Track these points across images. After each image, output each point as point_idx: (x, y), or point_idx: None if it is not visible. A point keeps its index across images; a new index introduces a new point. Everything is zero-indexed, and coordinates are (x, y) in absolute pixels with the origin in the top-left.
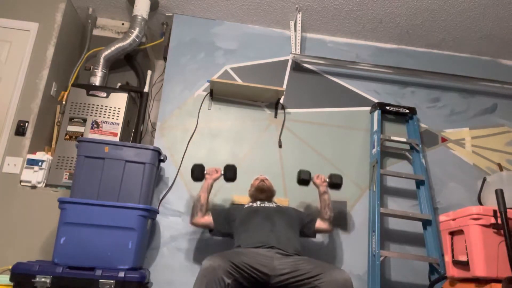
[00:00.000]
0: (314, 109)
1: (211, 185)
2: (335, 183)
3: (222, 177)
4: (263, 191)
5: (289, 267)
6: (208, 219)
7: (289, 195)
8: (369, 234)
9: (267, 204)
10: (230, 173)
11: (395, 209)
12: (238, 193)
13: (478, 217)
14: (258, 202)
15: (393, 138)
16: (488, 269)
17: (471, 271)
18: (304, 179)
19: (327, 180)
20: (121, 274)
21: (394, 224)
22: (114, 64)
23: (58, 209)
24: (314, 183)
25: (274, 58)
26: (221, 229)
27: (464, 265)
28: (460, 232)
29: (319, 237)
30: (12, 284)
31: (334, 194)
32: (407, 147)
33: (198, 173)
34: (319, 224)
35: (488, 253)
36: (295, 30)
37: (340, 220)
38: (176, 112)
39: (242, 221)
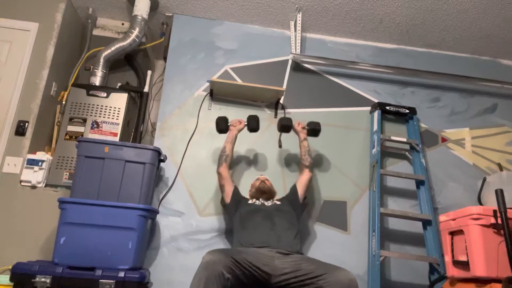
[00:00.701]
0: (314, 109)
1: (236, 136)
2: (314, 129)
3: (246, 127)
4: (264, 193)
5: (291, 266)
6: (229, 180)
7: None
8: (369, 234)
9: (266, 203)
10: (253, 123)
11: (395, 209)
12: None
13: (478, 217)
14: (260, 200)
15: (393, 138)
16: (488, 269)
17: (471, 271)
18: (285, 125)
19: (306, 127)
20: (121, 274)
21: (394, 224)
22: (114, 64)
23: (58, 209)
24: (294, 130)
25: (274, 58)
26: (231, 207)
27: (464, 265)
28: (460, 232)
29: (319, 237)
30: (12, 284)
31: (334, 194)
32: (407, 147)
33: (222, 124)
34: (300, 181)
35: (488, 253)
36: (295, 30)
37: (340, 220)
38: (176, 112)
39: (242, 218)
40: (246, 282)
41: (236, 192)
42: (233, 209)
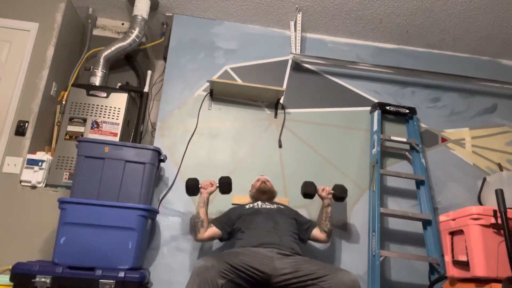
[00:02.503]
0: (314, 109)
1: (208, 199)
2: (340, 196)
3: (218, 190)
4: (264, 193)
5: (290, 267)
6: (212, 230)
7: (289, 195)
8: (369, 234)
9: (268, 205)
10: (225, 186)
11: (395, 209)
12: (238, 193)
13: (478, 217)
14: (259, 203)
15: (393, 138)
16: (488, 269)
17: (471, 271)
18: (309, 194)
19: (332, 192)
20: (121, 274)
21: (394, 224)
22: (114, 64)
23: (58, 209)
24: (320, 196)
25: (274, 58)
26: (228, 233)
27: (464, 265)
28: (460, 232)
29: (319, 244)
30: (12, 284)
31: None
32: (407, 147)
33: (193, 188)
34: (317, 233)
35: (488, 253)
36: (295, 30)
37: (340, 220)
38: (176, 112)
39: (243, 220)
40: (245, 285)
41: (218, 224)
42: (230, 229)
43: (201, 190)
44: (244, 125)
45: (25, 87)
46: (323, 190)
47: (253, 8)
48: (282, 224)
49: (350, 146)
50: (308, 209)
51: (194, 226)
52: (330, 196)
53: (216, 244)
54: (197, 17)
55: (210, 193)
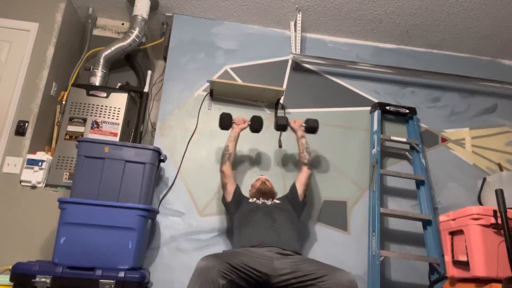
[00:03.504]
0: (314, 109)
1: (238, 134)
2: (311, 126)
3: (249, 128)
4: (264, 194)
5: (290, 267)
6: (231, 179)
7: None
8: (369, 234)
9: (267, 202)
10: (256, 124)
11: (395, 209)
12: None
13: (478, 217)
14: (260, 199)
15: (393, 138)
16: (488, 269)
17: (471, 271)
18: (281, 124)
19: (304, 124)
20: (121, 274)
21: (394, 224)
22: (114, 64)
23: (58, 209)
24: (292, 128)
25: (274, 58)
26: (232, 206)
27: (464, 265)
28: (460, 232)
29: (319, 237)
30: (12, 284)
31: (334, 194)
32: (407, 147)
33: (226, 121)
34: (299, 179)
35: (488, 253)
36: (295, 30)
37: (340, 220)
38: (176, 112)
39: (243, 216)
40: (245, 285)
41: (238, 191)
42: (234, 207)
43: (233, 125)
44: None
45: (25, 87)
46: (294, 122)
47: (253, 8)
48: (281, 221)
49: (350, 146)
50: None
51: (222, 156)
52: (302, 128)
53: (217, 245)
54: (197, 17)
55: (242, 129)
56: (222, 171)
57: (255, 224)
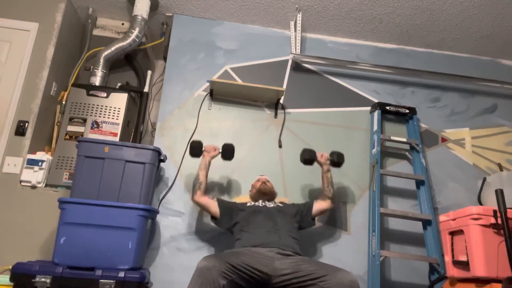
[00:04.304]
0: (314, 109)
1: (209, 163)
2: (338, 162)
3: (220, 155)
4: (265, 194)
5: (291, 267)
6: (211, 203)
7: (289, 195)
8: (369, 234)
9: (268, 204)
10: (227, 152)
11: (395, 209)
12: (238, 194)
13: (478, 217)
14: (260, 202)
15: (393, 138)
16: (488, 269)
17: (471, 271)
18: (309, 159)
19: (330, 158)
20: (121, 274)
21: (394, 224)
22: (114, 64)
23: (58, 209)
24: (318, 162)
25: (274, 58)
26: (225, 219)
27: (464, 265)
28: (460, 232)
29: (319, 237)
30: (12, 284)
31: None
32: (407, 147)
33: (196, 149)
34: (319, 204)
35: (488, 253)
36: (295, 30)
37: (340, 220)
38: (176, 112)
39: (243, 219)
40: (245, 285)
41: (222, 203)
42: (228, 218)
43: (204, 153)
44: (244, 125)
45: (25, 87)
46: (321, 156)
47: (253, 8)
48: (282, 224)
49: (350, 146)
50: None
51: (193, 186)
52: (328, 162)
53: (216, 244)
54: (197, 17)
55: (213, 157)
56: (194, 201)
57: (256, 226)
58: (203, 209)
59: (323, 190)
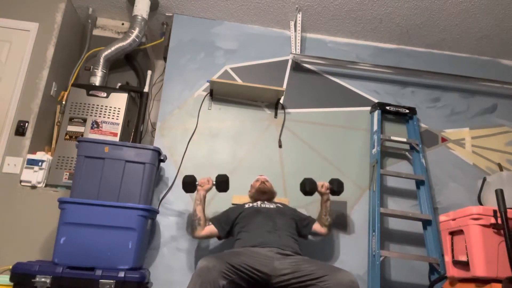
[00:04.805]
0: (314, 109)
1: (204, 197)
2: (337, 191)
3: (214, 187)
4: (264, 193)
5: (290, 267)
6: (210, 229)
7: (289, 195)
8: (369, 234)
9: (267, 205)
10: (222, 184)
11: (395, 209)
12: (238, 193)
13: (478, 217)
14: (259, 202)
15: (393, 138)
16: (488, 269)
17: (471, 271)
18: (310, 191)
19: (330, 186)
20: (121, 274)
21: (394, 224)
22: (114, 64)
23: (58, 209)
24: (319, 192)
25: (274, 58)
26: (226, 233)
27: (464, 265)
28: (460, 232)
29: (319, 237)
30: (12, 284)
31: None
32: (407, 147)
33: (190, 185)
34: (317, 227)
35: (488, 253)
36: (295, 30)
37: (340, 220)
38: (176, 112)
39: (243, 219)
40: (245, 285)
41: (216, 222)
42: (228, 228)
43: (198, 187)
44: (244, 125)
45: (25, 87)
46: (322, 186)
47: (253, 8)
48: (282, 224)
49: (350, 146)
50: (308, 209)
51: (191, 223)
52: (328, 191)
53: (216, 244)
54: (197, 17)
55: (207, 191)
56: (196, 237)
57: (256, 226)
58: (205, 238)
59: (321, 218)
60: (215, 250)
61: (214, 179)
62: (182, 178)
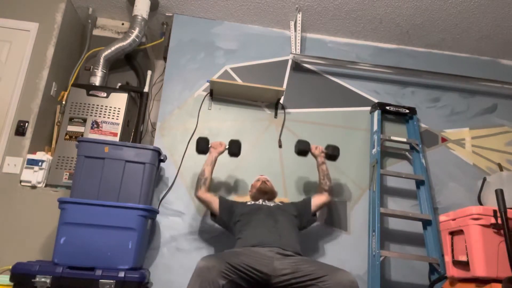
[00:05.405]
0: (314, 109)
1: (216, 159)
2: (332, 154)
3: (227, 151)
4: (265, 193)
5: (290, 267)
6: (212, 199)
7: (289, 195)
8: (369, 234)
9: (268, 203)
10: (234, 148)
11: (395, 209)
12: (238, 193)
13: (478, 217)
14: (260, 201)
15: (393, 138)
16: (488, 269)
17: (471, 271)
18: (303, 150)
19: (325, 150)
20: (121, 274)
21: (394, 224)
22: (114, 64)
23: (58, 209)
24: (312, 154)
25: (274, 58)
26: (224, 218)
27: (464, 265)
28: (460, 232)
29: (319, 237)
30: (12, 284)
31: (334, 194)
32: (407, 147)
33: (203, 146)
34: (317, 199)
35: (488, 253)
36: (295, 30)
37: (340, 220)
38: (176, 112)
39: (244, 217)
40: (245, 285)
41: (223, 200)
42: (227, 216)
43: (211, 149)
44: (244, 125)
45: (25, 87)
46: (316, 148)
47: (253, 8)
48: (282, 222)
49: (350, 146)
50: None
51: (197, 182)
52: (323, 154)
53: (216, 244)
54: (197, 17)
55: (219, 153)
56: (197, 197)
57: (257, 225)
58: (204, 205)
59: (320, 183)
60: (215, 251)
61: (227, 144)
62: (196, 139)
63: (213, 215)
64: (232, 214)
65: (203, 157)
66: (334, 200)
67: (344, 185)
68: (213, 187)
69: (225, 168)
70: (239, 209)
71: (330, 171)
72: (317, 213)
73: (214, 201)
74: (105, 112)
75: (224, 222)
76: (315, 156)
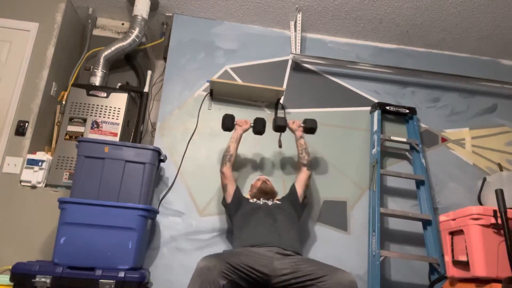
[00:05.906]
0: (314, 109)
1: (241, 136)
2: (310, 127)
3: (252, 129)
4: (265, 193)
5: (290, 267)
6: (232, 180)
7: None
8: (369, 234)
9: (267, 203)
10: (259, 126)
11: (395, 209)
12: None
13: (478, 217)
14: (261, 200)
15: (393, 138)
16: (488, 269)
17: (471, 271)
18: (280, 125)
19: (302, 125)
20: (121, 274)
21: (394, 224)
22: (114, 64)
23: (58, 209)
24: (290, 129)
25: (274, 58)
26: (232, 206)
27: (464, 265)
28: (460, 232)
29: (319, 237)
30: (12, 284)
31: (334, 194)
32: (407, 147)
33: (228, 123)
34: (299, 180)
35: (488, 253)
36: (295, 30)
37: (340, 220)
38: (176, 112)
39: (244, 216)
40: (245, 285)
41: (238, 192)
42: (234, 209)
43: (236, 126)
44: None
45: (25, 87)
46: (293, 122)
47: (253, 8)
48: (282, 221)
49: (350, 146)
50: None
51: (223, 158)
52: (300, 128)
53: (216, 244)
54: (197, 17)
55: (244, 130)
56: (222, 172)
57: (256, 224)
58: (223, 183)
59: (298, 158)
60: (216, 251)
61: (252, 121)
62: (222, 116)
63: (224, 200)
64: (239, 207)
65: (203, 157)
66: (334, 200)
67: (344, 185)
68: (214, 186)
69: None
70: (243, 204)
71: (329, 171)
72: (307, 195)
73: (232, 185)
74: (105, 112)
75: (231, 210)
76: (293, 131)
